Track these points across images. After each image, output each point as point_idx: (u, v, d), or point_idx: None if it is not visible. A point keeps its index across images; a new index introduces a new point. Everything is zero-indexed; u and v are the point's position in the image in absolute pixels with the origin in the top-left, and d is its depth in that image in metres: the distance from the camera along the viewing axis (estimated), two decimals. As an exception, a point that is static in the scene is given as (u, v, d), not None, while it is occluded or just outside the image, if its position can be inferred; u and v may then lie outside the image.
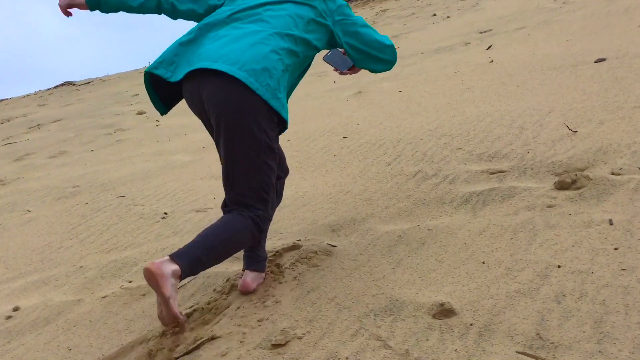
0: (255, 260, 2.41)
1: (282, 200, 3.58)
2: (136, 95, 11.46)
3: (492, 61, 6.04)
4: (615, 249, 2.03)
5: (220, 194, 4.00)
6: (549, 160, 3.00)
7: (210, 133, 2.25)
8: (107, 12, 2.47)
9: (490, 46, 7.02)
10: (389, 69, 2.51)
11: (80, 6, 2.44)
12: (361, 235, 2.77)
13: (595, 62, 4.63)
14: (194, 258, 2.01)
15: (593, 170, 2.72)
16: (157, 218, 3.77)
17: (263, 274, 2.44)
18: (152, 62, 2.23)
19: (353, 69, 2.57)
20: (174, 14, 2.48)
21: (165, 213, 3.82)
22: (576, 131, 3.24)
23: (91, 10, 2.46)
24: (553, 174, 2.85)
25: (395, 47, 2.71)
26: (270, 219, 2.27)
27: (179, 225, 3.54)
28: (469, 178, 3.11)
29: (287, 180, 3.86)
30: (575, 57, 4.99)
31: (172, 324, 1.98)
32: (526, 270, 2.06)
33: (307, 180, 3.92)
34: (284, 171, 2.55)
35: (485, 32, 8.47)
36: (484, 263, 2.20)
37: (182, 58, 2.18)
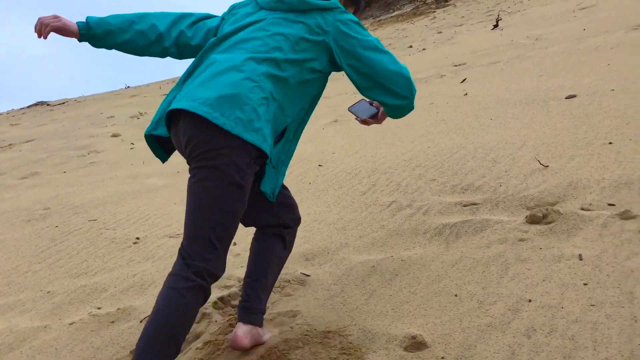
0: (250, 311, 2.11)
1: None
2: (111, 117, 11.38)
3: (466, 94, 6.15)
4: (585, 284, 2.06)
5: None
6: (521, 194, 3.05)
7: None
8: (98, 47, 2.23)
9: (465, 79, 7.16)
10: (405, 105, 2.08)
11: (70, 34, 2.16)
12: (335, 265, 2.77)
13: (566, 98, 4.74)
14: None
15: (563, 205, 2.77)
16: (128, 243, 3.72)
17: (258, 329, 2.12)
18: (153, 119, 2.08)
19: (376, 117, 2.24)
20: (181, 55, 2.29)
21: (138, 238, 3.77)
22: (547, 166, 3.31)
23: (80, 40, 2.19)
24: (525, 208, 2.89)
25: None
26: (215, 275, 1.87)
27: (151, 251, 3.49)
28: (443, 209, 3.14)
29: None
30: (547, 93, 5.11)
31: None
32: (498, 304, 2.08)
33: (282, 207, 3.91)
34: (293, 220, 2.24)
35: (460, 65, 8.64)
36: (456, 296, 2.21)
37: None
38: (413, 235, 2.93)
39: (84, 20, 2.17)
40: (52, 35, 2.19)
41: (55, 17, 2.14)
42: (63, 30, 2.14)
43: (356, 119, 2.26)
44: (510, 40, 9.52)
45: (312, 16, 2.02)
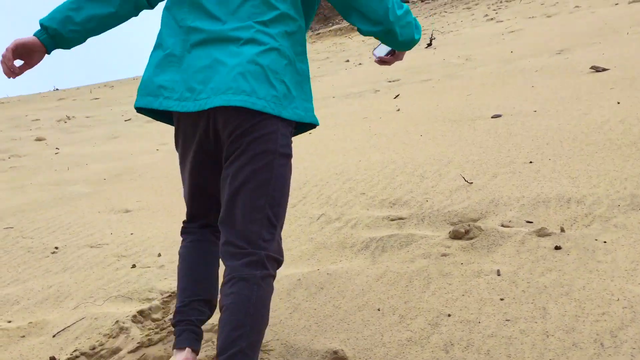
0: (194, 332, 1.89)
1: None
2: (36, 120, 10.93)
3: (398, 110, 6.27)
4: (501, 299, 2.12)
5: (118, 229, 3.84)
6: (446, 209, 3.12)
7: (194, 165, 1.89)
8: (71, 44, 1.95)
9: (398, 95, 7.30)
10: (379, 32, 1.91)
11: (35, 49, 1.88)
12: (261, 278, 2.73)
13: (492, 117, 4.91)
14: None
15: (485, 222, 2.85)
16: (46, 252, 3.55)
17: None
18: (141, 90, 1.84)
19: (393, 54, 2.12)
20: (152, 4, 2.01)
21: (56, 247, 3.61)
22: (472, 183, 3.40)
23: (49, 51, 1.93)
24: (449, 223, 2.96)
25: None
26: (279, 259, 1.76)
27: (69, 261, 3.35)
28: (371, 223, 3.17)
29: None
30: (474, 112, 5.27)
31: None
32: (418, 319, 2.10)
33: (211, 218, 3.85)
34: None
35: (394, 81, 8.82)
36: (379, 310, 2.22)
37: (180, 84, 1.79)
38: (340, 248, 2.94)
39: (45, 29, 1.89)
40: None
41: (11, 45, 1.87)
42: (26, 49, 1.87)
43: (375, 61, 2.15)
44: (443, 59, 9.81)
45: None
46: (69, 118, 10.97)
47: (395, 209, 3.33)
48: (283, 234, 3.26)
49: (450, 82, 7.49)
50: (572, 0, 13.92)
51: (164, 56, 1.83)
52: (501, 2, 18.81)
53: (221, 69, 1.74)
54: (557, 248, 2.40)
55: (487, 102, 5.59)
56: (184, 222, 2.09)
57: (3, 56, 1.85)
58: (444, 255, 2.58)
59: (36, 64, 1.94)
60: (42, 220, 4.24)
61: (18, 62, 1.89)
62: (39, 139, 8.55)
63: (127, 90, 17.25)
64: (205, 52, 1.78)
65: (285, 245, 3.11)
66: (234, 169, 1.73)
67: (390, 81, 8.89)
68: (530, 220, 2.75)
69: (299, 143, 5.55)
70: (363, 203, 3.51)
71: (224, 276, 1.70)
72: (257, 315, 1.64)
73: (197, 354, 1.85)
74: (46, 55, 1.94)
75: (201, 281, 1.95)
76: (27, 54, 1.89)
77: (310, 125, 1.91)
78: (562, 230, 2.54)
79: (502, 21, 13.86)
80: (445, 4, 23.33)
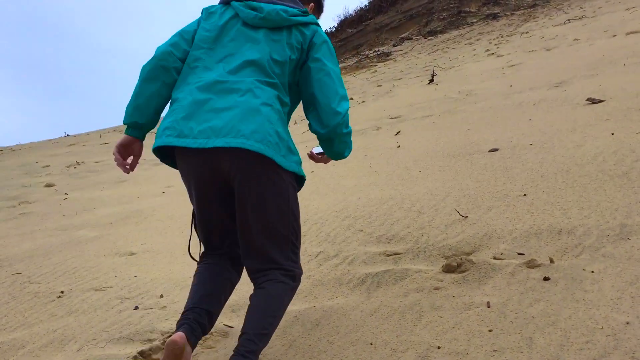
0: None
1: (186, 279, 3.57)
2: (47, 166, 11.14)
3: (399, 146, 6.37)
4: (490, 330, 2.16)
5: (122, 272, 3.92)
6: (441, 243, 3.18)
7: (203, 202, 2.21)
8: (153, 123, 2.31)
9: (399, 132, 7.41)
10: (324, 135, 2.26)
11: (135, 146, 2.32)
12: (259, 316, 2.79)
13: (489, 151, 4.99)
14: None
15: (478, 255, 2.90)
16: (52, 297, 3.63)
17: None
18: (159, 132, 2.18)
19: (322, 154, 2.56)
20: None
21: (62, 292, 3.68)
22: (466, 216, 3.46)
23: (142, 139, 2.33)
24: (443, 257, 3.01)
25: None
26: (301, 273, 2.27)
27: (74, 305, 3.42)
28: (367, 259, 3.23)
29: (193, 261, 3.85)
30: (472, 146, 5.36)
31: None
32: (409, 352, 2.15)
33: (213, 259, 3.92)
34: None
35: (396, 118, 8.95)
36: (371, 344, 2.27)
37: (185, 125, 2.11)
38: (337, 285, 3.00)
39: (131, 129, 2.29)
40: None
41: (116, 151, 2.29)
42: (127, 147, 2.30)
43: (308, 153, 2.59)
44: (444, 94, 9.95)
45: (291, 32, 2.25)
46: (78, 163, 11.18)
47: (391, 244, 3.38)
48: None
49: (451, 117, 7.60)
50: (571, 33, 14.14)
51: (176, 106, 2.18)
52: (502, 36, 19.11)
53: (223, 115, 2.08)
54: (546, 279, 2.44)
55: (486, 137, 5.68)
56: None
57: (116, 161, 2.30)
58: (437, 288, 2.63)
59: (140, 152, 2.36)
60: (49, 265, 4.33)
61: (129, 159, 2.37)
62: (48, 185, 8.72)
63: (136, 134, 17.51)
64: (211, 100, 2.12)
65: (284, 283, 3.17)
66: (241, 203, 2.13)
67: (392, 118, 9.02)
68: (522, 252, 2.80)
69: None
70: (361, 239, 3.57)
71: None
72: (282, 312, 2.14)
73: (191, 346, 2.02)
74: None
75: (207, 295, 2.18)
76: (130, 150, 2.32)
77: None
78: (552, 261, 2.59)
79: (502, 55, 14.06)
80: (447, 40, 23.71)
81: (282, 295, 2.12)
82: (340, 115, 2.22)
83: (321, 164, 6.26)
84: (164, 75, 2.25)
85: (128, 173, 2.36)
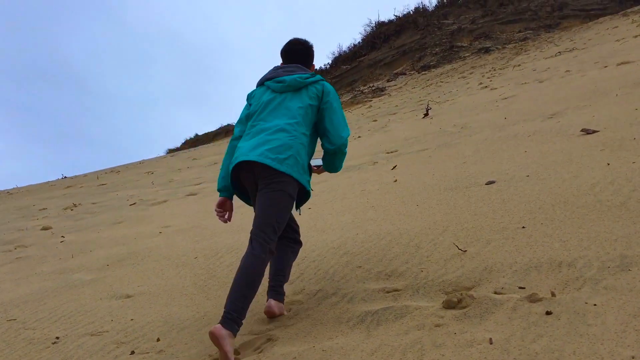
0: (277, 292, 3.24)
1: (183, 321, 3.52)
2: (44, 209, 11.09)
3: (396, 181, 6.37)
4: (493, 368, 2.11)
5: (119, 315, 3.86)
6: (440, 279, 3.14)
7: (251, 197, 3.24)
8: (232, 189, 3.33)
9: (395, 166, 7.43)
10: (332, 151, 3.26)
11: (225, 203, 3.36)
12: (257, 358, 2.74)
13: (486, 184, 4.99)
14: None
15: (478, 290, 2.86)
16: (47, 343, 3.56)
17: (281, 304, 3.24)
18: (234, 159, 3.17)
19: (318, 167, 3.47)
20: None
21: (57, 337, 3.62)
22: (465, 250, 3.43)
23: (231, 197, 3.38)
24: (443, 293, 2.97)
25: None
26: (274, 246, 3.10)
27: (69, 351, 3.35)
28: (366, 297, 3.19)
29: (190, 302, 3.82)
30: (469, 179, 5.36)
31: None
32: (411, 392, 2.09)
33: (210, 300, 3.87)
34: (297, 239, 3.48)
35: (392, 152, 8.98)
36: (373, 385, 2.21)
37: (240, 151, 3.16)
38: (336, 324, 2.95)
39: (222, 192, 3.34)
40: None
41: (216, 208, 3.37)
42: (222, 205, 3.37)
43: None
44: (439, 128, 10.02)
45: (308, 89, 3.27)
46: (75, 205, 11.14)
47: (390, 280, 3.35)
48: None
49: (446, 150, 7.63)
50: (563, 65, 14.32)
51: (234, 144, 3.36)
52: (495, 69, 19.36)
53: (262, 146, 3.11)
54: (548, 313, 2.40)
55: (482, 169, 5.69)
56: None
57: (218, 215, 3.37)
58: (438, 325, 2.58)
59: (232, 207, 3.39)
60: (45, 311, 4.26)
61: (226, 215, 3.40)
62: (45, 228, 8.67)
63: (132, 174, 17.55)
64: (256, 135, 3.20)
65: (282, 322, 3.13)
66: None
67: (388, 152, 9.05)
68: (523, 286, 2.77)
69: (298, 219, 5.62)
70: (359, 276, 3.53)
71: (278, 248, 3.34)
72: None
73: (277, 301, 3.25)
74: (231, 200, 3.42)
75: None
76: (225, 206, 3.37)
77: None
78: (553, 294, 2.56)
79: (496, 88, 14.21)
80: (441, 74, 24.00)
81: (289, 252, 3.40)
82: (344, 138, 3.26)
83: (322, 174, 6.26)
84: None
85: (226, 223, 3.42)
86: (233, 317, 2.76)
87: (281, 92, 3.28)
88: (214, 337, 2.67)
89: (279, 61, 3.55)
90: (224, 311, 2.79)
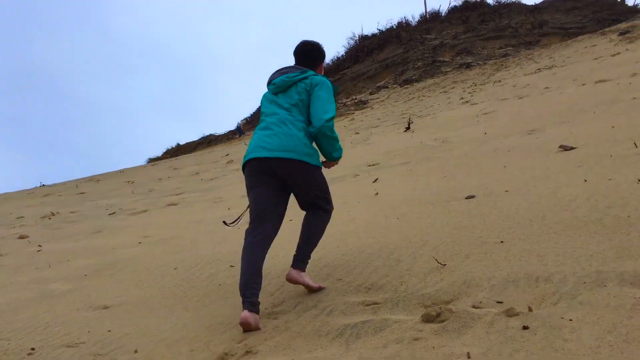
0: (300, 260, 3.55)
1: (161, 332, 3.49)
2: (21, 217, 10.94)
3: (377, 194, 6.40)
4: (471, 382, 2.13)
5: (95, 327, 3.82)
6: (420, 292, 3.16)
7: (263, 185, 3.54)
8: None
9: (377, 179, 7.47)
10: (317, 131, 3.49)
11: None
12: (236, 371, 2.73)
13: (466, 198, 5.04)
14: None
15: (457, 303, 2.89)
16: (22, 355, 3.51)
17: (304, 273, 3.55)
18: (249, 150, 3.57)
19: (324, 163, 3.73)
20: None
21: (33, 349, 3.57)
22: (445, 264, 3.46)
23: None
24: (422, 306, 2.99)
25: None
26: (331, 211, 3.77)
27: (45, 362, 3.31)
28: (346, 309, 3.19)
29: (169, 314, 3.79)
30: (449, 193, 5.41)
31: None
32: (389, 406, 2.10)
33: (189, 311, 3.85)
34: (328, 208, 3.78)
35: (373, 165, 9.03)
36: (351, 399, 2.22)
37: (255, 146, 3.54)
38: (316, 337, 2.95)
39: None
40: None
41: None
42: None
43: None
44: (420, 142, 10.10)
45: (297, 85, 3.57)
46: (53, 214, 11.01)
47: (370, 293, 3.36)
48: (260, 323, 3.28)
49: (427, 164, 7.70)
50: (542, 82, 14.54)
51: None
52: (475, 85, 19.59)
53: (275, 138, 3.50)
54: (525, 328, 2.43)
55: (462, 184, 5.74)
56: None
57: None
58: (417, 339, 2.60)
59: None
60: (20, 321, 4.20)
61: None
62: (22, 237, 8.54)
63: (112, 183, 17.40)
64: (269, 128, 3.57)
65: (262, 335, 3.12)
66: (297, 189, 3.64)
67: (370, 165, 9.10)
68: (500, 300, 2.80)
69: (279, 233, 5.61)
70: (340, 289, 3.54)
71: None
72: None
73: (299, 269, 3.55)
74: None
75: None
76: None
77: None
78: (530, 309, 2.59)
79: (476, 103, 14.38)
80: (423, 88, 24.21)
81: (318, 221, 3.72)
82: (324, 120, 3.47)
83: None
84: None
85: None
86: (302, 258, 3.54)
87: (275, 93, 3.64)
88: (294, 281, 3.49)
89: (263, 74, 3.99)
90: (294, 255, 3.56)
